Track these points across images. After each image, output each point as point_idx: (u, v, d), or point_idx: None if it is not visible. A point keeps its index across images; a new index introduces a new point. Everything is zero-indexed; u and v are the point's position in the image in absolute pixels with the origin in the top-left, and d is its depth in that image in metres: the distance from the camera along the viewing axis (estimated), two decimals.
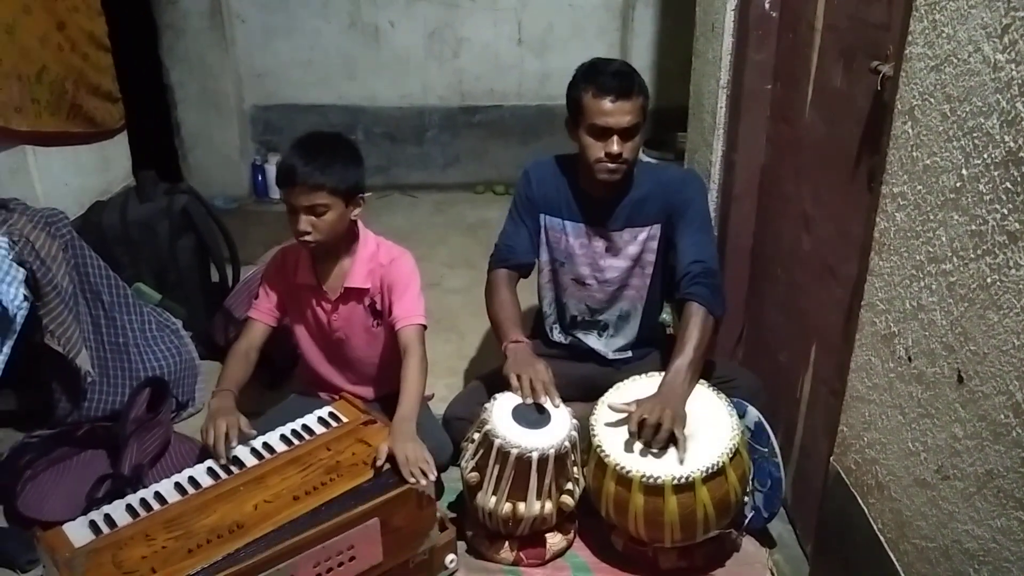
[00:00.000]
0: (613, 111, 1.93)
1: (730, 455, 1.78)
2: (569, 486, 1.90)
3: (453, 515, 2.05)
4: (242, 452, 1.85)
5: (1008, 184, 1.08)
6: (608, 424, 1.90)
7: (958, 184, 1.21)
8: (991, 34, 1.11)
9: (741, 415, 1.93)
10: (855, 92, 1.73)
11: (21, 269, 2.13)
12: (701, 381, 1.96)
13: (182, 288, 2.89)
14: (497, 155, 4.72)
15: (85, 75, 2.91)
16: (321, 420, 1.96)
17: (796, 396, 2.07)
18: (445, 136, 4.75)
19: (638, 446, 1.83)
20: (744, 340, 2.60)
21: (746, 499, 1.95)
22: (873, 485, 1.52)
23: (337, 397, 2.09)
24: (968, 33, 1.17)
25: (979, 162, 1.15)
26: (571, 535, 2.02)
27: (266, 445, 1.87)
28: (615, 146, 1.95)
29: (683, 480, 1.75)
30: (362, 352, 2.17)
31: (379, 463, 1.74)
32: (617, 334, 2.24)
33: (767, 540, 2.04)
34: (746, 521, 1.99)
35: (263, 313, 2.12)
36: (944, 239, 1.25)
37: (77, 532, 1.62)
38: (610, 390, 2.01)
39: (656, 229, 2.11)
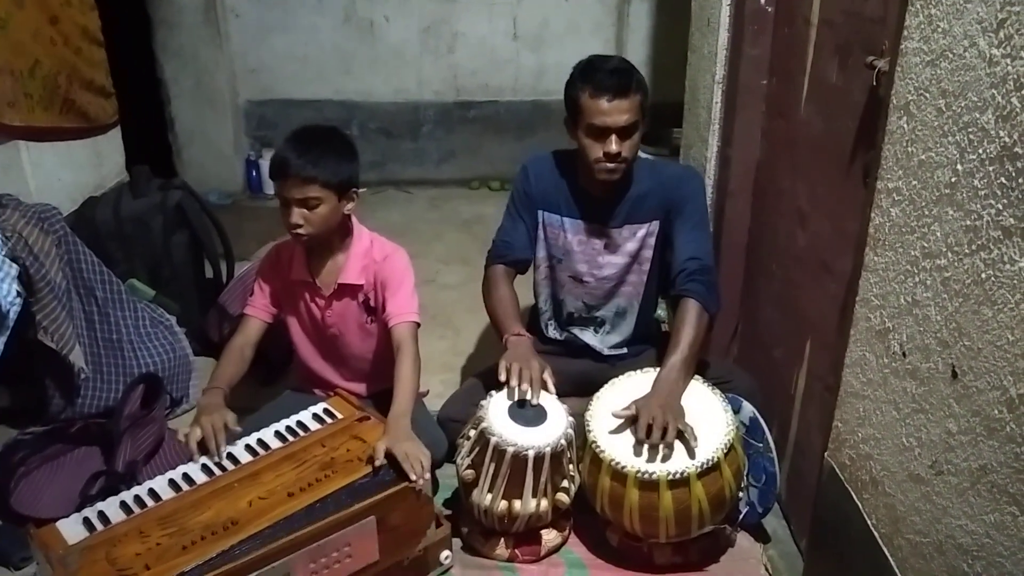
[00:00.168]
0: (610, 110, 1.92)
1: (725, 450, 1.78)
2: (565, 483, 1.90)
3: (448, 512, 2.04)
4: (236, 448, 1.84)
5: (1003, 179, 1.08)
6: (603, 421, 1.90)
7: (953, 179, 1.21)
8: (987, 29, 1.11)
9: (736, 411, 1.93)
10: (851, 87, 1.73)
11: (14, 265, 2.12)
12: (696, 377, 1.96)
13: (176, 284, 2.89)
14: (492, 151, 4.72)
15: (78, 70, 2.89)
16: (316, 416, 1.95)
17: (791, 392, 2.08)
18: (440, 131, 4.75)
19: (633, 442, 1.83)
20: (739, 336, 2.60)
21: (741, 494, 1.95)
22: (867, 480, 1.52)
23: (331, 393, 2.09)
24: (964, 28, 1.17)
25: (974, 157, 1.15)
26: (566, 531, 2.02)
27: (260, 441, 1.87)
28: (613, 145, 1.94)
29: (678, 475, 1.75)
30: (356, 348, 2.16)
31: (377, 463, 1.73)
32: (613, 330, 2.24)
33: (762, 535, 2.05)
34: (741, 516, 2.00)
35: (259, 310, 2.12)
36: (939, 234, 1.25)
37: (71, 529, 1.61)
38: (605, 386, 2.01)
39: (655, 226, 2.11)
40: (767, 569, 1.95)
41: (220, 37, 4.34)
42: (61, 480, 2.13)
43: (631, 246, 2.13)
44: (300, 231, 1.93)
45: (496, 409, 1.89)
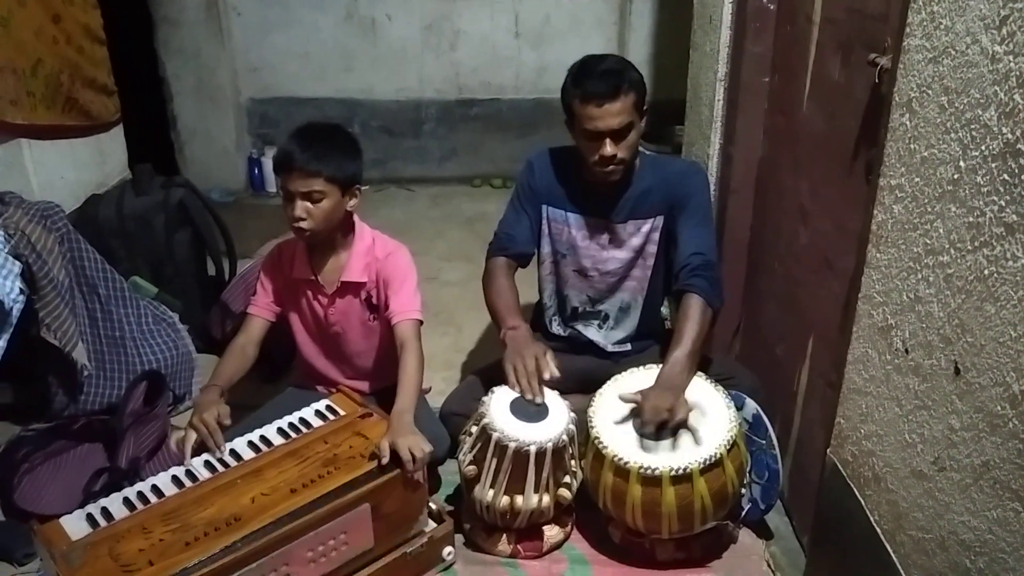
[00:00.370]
0: (602, 115, 1.92)
1: (728, 446, 1.78)
2: (567, 479, 1.91)
3: (451, 508, 2.04)
4: (239, 444, 1.85)
5: (1005, 176, 1.08)
6: (606, 417, 1.90)
7: (955, 176, 1.21)
8: (989, 25, 1.11)
9: (739, 407, 1.93)
10: (853, 84, 1.73)
11: (17, 263, 2.12)
12: (699, 373, 1.96)
13: (179, 281, 2.89)
14: (494, 148, 4.72)
15: (80, 68, 2.90)
16: (318, 413, 1.96)
17: (793, 389, 2.08)
18: (442, 129, 4.75)
19: (636, 438, 1.84)
20: (741, 333, 2.60)
21: (743, 491, 1.96)
22: (870, 477, 1.52)
23: (334, 390, 2.09)
24: (966, 25, 1.17)
25: (977, 154, 1.15)
26: (568, 527, 2.02)
27: (263, 438, 1.87)
28: (608, 148, 1.95)
29: (681, 471, 1.75)
30: (358, 346, 2.17)
31: (384, 461, 1.73)
32: (617, 326, 2.24)
33: (764, 532, 2.05)
34: (743, 513, 2.00)
35: (262, 308, 2.12)
36: (941, 231, 1.25)
37: (74, 525, 1.61)
38: (608, 383, 2.01)
39: (659, 221, 2.11)
40: (769, 565, 1.95)
41: (222, 35, 4.34)
42: (64, 476, 2.13)
43: (635, 241, 2.13)
44: (303, 225, 1.93)
45: (498, 405, 1.89)
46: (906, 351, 1.37)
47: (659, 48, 4.50)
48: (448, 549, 1.91)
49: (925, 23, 1.29)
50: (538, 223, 2.18)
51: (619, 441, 1.84)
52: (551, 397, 1.93)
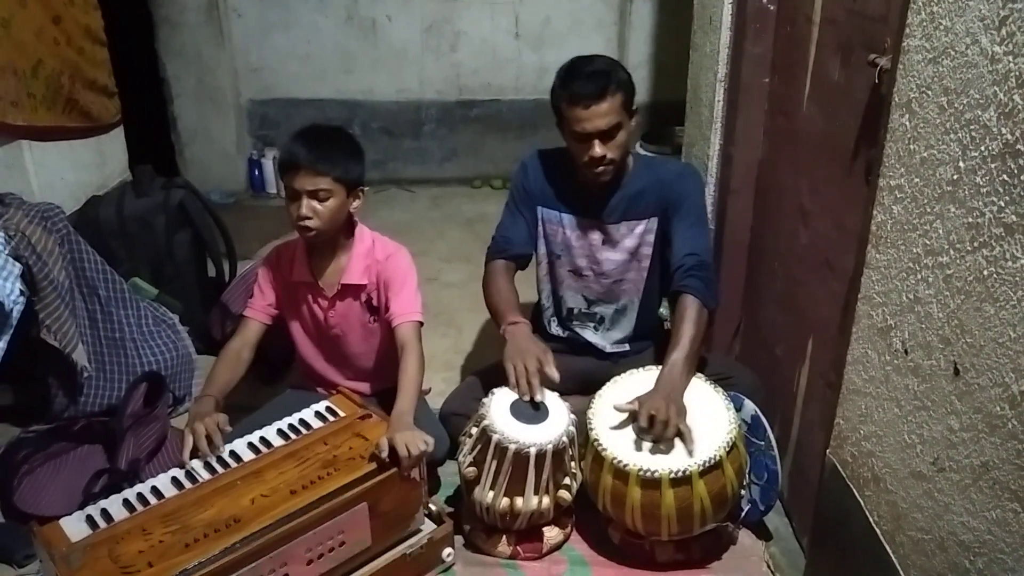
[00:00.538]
0: (589, 116, 1.92)
1: (727, 448, 1.78)
2: (567, 480, 1.90)
3: (451, 509, 2.04)
4: (239, 446, 1.85)
5: (1005, 176, 1.08)
6: (605, 419, 1.90)
7: (955, 177, 1.20)
8: (989, 26, 1.11)
9: (738, 408, 1.93)
10: (853, 85, 1.73)
11: (17, 264, 2.12)
12: (698, 375, 1.96)
13: (179, 283, 2.89)
14: (495, 149, 4.72)
15: (81, 69, 2.90)
16: (318, 414, 1.96)
17: (793, 389, 2.08)
18: (442, 130, 4.75)
19: (635, 440, 1.84)
20: (741, 334, 2.60)
21: (743, 492, 1.95)
22: (869, 477, 1.52)
23: (333, 392, 2.09)
24: (966, 25, 1.17)
25: (976, 155, 1.15)
26: (568, 529, 2.02)
27: (263, 439, 1.87)
28: (597, 149, 1.95)
29: (680, 473, 1.75)
30: (359, 348, 2.16)
31: (383, 456, 1.73)
32: (614, 328, 2.24)
33: (764, 533, 2.05)
34: (743, 514, 2.00)
35: (258, 311, 2.11)
36: (941, 232, 1.25)
37: (74, 527, 1.61)
38: (607, 384, 2.01)
39: (653, 223, 2.11)
40: (769, 566, 1.95)
41: (222, 36, 4.34)
42: (64, 478, 2.13)
43: (629, 242, 2.13)
44: (309, 223, 1.93)
45: (498, 406, 1.89)
46: (905, 352, 1.37)
47: (659, 49, 4.51)
48: (448, 550, 1.91)
49: (925, 24, 1.29)
50: (534, 224, 2.18)
51: (618, 443, 1.84)
52: (551, 398, 1.93)
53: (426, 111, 4.70)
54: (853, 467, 1.59)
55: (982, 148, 1.13)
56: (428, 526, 1.90)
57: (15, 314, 2.07)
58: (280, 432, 1.90)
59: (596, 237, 2.14)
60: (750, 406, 1.98)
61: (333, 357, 2.19)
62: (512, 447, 1.80)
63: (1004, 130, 1.08)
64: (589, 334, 2.25)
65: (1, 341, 2.05)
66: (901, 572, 1.40)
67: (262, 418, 1.99)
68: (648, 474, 1.76)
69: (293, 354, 2.28)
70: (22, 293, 2.11)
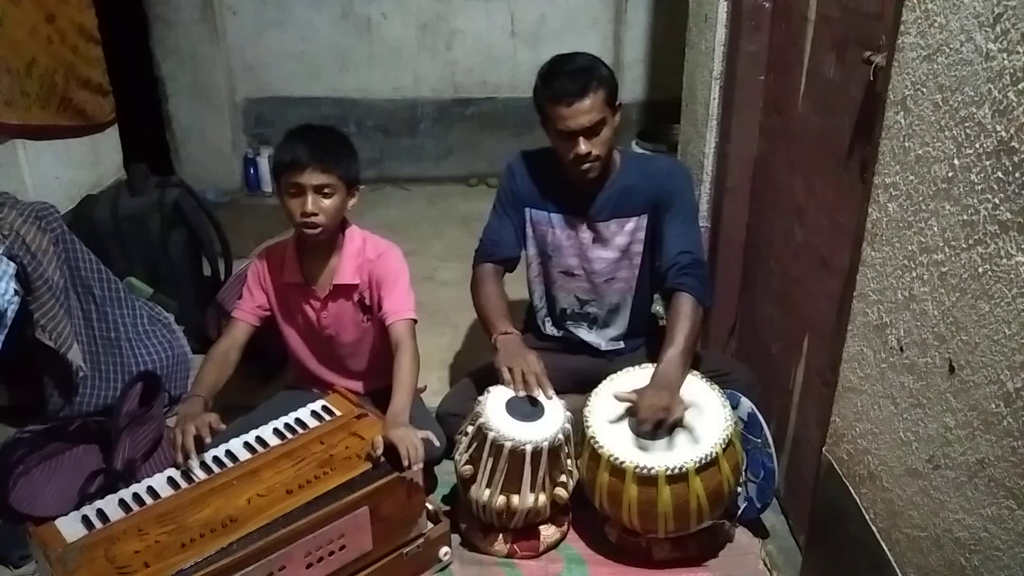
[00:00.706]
0: (572, 114, 1.93)
1: (723, 445, 1.78)
2: (563, 478, 1.90)
3: (447, 508, 2.05)
4: (235, 445, 1.84)
5: (999, 174, 1.08)
6: (602, 416, 1.90)
7: (950, 174, 1.21)
8: (983, 23, 1.11)
9: (734, 406, 1.93)
10: (848, 82, 1.73)
11: (11, 263, 2.12)
12: (693, 372, 1.97)
13: (174, 282, 2.88)
14: (490, 147, 4.71)
15: (75, 68, 2.89)
16: (314, 414, 1.95)
17: (789, 387, 2.08)
18: (438, 128, 4.74)
19: (632, 437, 1.84)
20: (737, 332, 2.60)
21: (739, 490, 1.96)
22: (865, 475, 1.52)
23: (329, 391, 2.08)
24: (960, 23, 1.17)
25: (971, 152, 1.15)
26: (565, 527, 2.02)
27: (259, 439, 1.87)
28: (582, 146, 1.95)
29: (676, 470, 1.75)
30: (352, 348, 2.16)
31: (377, 453, 1.73)
32: (608, 326, 2.25)
33: (760, 531, 2.05)
34: (739, 512, 2.00)
35: (247, 313, 2.11)
36: (936, 229, 1.25)
37: (70, 527, 1.61)
38: (603, 382, 2.01)
39: (643, 220, 2.11)
40: (766, 564, 1.95)
41: (217, 34, 4.33)
42: (60, 478, 2.13)
43: (620, 240, 2.13)
44: (316, 219, 1.92)
45: (494, 404, 1.89)
46: (901, 349, 1.37)
47: (655, 47, 4.50)
48: (444, 549, 1.91)
49: (919, 21, 1.29)
50: (522, 226, 2.18)
51: (615, 441, 1.84)
52: (546, 396, 1.93)
53: (422, 109, 4.70)
54: (849, 464, 1.59)
55: (977, 145, 1.13)
56: (425, 525, 1.90)
57: (10, 314, 2.07)
58: (276, 431, 1.90)
59: (586, 236, 2.14)
60: (746, 403, 1.98)
61: (326, 357, 2.18)
62: (508, 445, 1.80)
63: (999, 127, 1.08)
64: (583, 333, 2.25)
65: None
66: (897, 569, 1.40)
67: (258, 418, 1.99)
68: (645, 471, 1.76)
69: (287, 354, 2.28)
70: (16, 293, 2.10)
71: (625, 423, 1.88)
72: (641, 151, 3.69)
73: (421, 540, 1.86)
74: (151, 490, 1.72)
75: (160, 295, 2.80)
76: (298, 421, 1.93)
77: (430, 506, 1.93)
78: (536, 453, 1.82)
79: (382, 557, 1.80)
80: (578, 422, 1.91)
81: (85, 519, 1.63)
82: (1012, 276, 1.06)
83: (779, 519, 2.11)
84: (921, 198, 1.29)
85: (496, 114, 4.69)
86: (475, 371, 2.25)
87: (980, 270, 1.13)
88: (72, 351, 2.30)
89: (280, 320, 2.15)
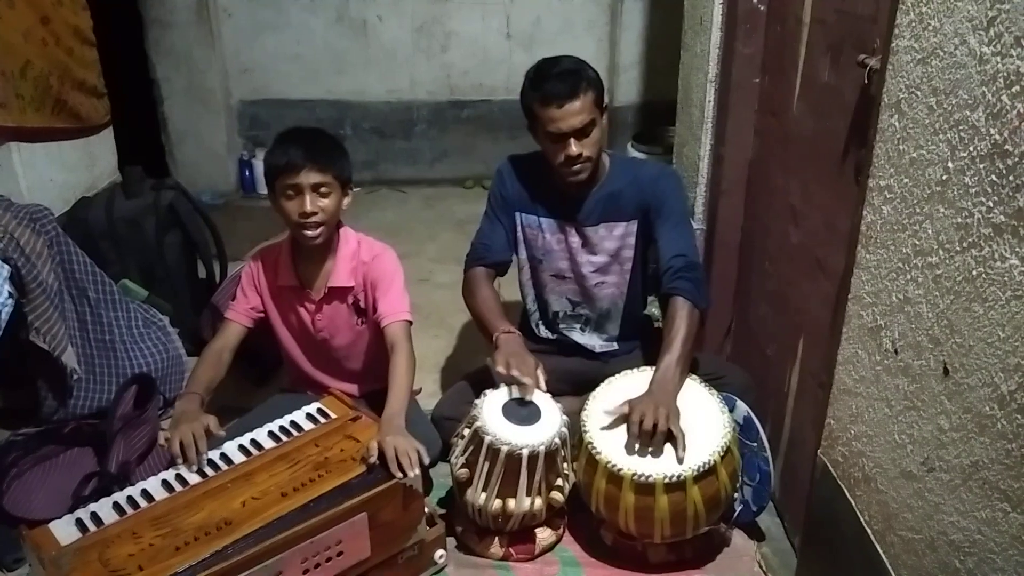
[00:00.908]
0: (563, 115, 1.92)
1: (721, 453, 1.78)
2: (559, 482, 1.90)
3: (443, 511, 2.04)
4: (230, 448, 1.84)
5: (993, 177, 1.08)
6: (599, 421, 1.90)
7: (944, 177, 1.21)
8: (977, 27, 1.11)
9: (730, 409, 1.93)
10: (842, 85, 1.73)
11: (5, 266, 2.11)
12: (692, 377, 1.96)
13: (169, 284, 2.88)
14: (486, 150, 4.71)
15: (70, 70, 2.88)
16: (309, 416, 1.95)
17: (784, 389, 2.08)
18: (434, 131, 4.74)
19: (629, 443, 1.83)
20: (732, 334, 2.60)
21: (735, 493, 1.96)
22: (860, 478, 1.52)
23: (325, 394, 2.08)
24: (954, 26, 1.17)
25: (965, 155, 1.15)
26: (560, 530, 2.02)
27: (254, 441, 1.86)
28: (572, 148, 1.95)
29: (675, 479, 1.75)
30: (346, 350, 2.16)
31: (371, 460, 1.73)
32: (601, 328, 2.25)
33: (756, 533, 2.05)
34: (735, 515, 2.00)
35: (240, 314, 2.11)
36: (930, 232, 1.25)
37: (64, 530, 1.60)
38: (601, 385, 2.01)
39: (633, 225, 2.11)
40: (761, 567, 1.95)
41: (212, 37, 4.33)
42: (54, 481, 2.12)
43: (609, 244, 2.13)
44: (316, 219, 1.92)
45: (490, 408, 1.89)
46: (895, 352, 1.37)
47: (650, 49, 4.51)
48: (440, 552, 1.91)
49: (914, 24, 1.29)
50: (513, 230, 2.18)
51: (612, 447, 1.84)
52: (543, 400, 1.93)
53: (417, 112, 4.70)
54: (844, 467, 1.59)
55: (971, 148, 1.14)
56: (420, 528, 1.89)
57: (4, 316, 2.06)
58: (271, 434, 1.89)
59: (575, 241, 2.14)
60: (742, 407, 1.98)
61: (321, 360, 2.18)
62: (504, 448, 1.80)
63: (992, 131, 1.08)
64: (577, 335, 2.25)
65: None
66: (892, 572, 1.40)
67: (253, 420, 1.99)
68: (642, 479, 1.76)
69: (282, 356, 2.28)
70: (11, 295, 2.09)
71: (623, 429, 1.87)
72: (636, 153, 3.69)
73: (416, 543, 1.85)
74: (145, 493, 1.71)
75: (155, 297, 2.80)
76: (293, 424, 1.93)
77: (426, 509, 1.93)
78: (532, 457, 1.81)
79: (380, 563, 1.80)
80: (574, 425, 1.91)
81: (79, 522, 1.63)
82: (1006, 279, 1.07)
83: (775, 521, 2.11)
84: (915, 201, 1.30)
85: (492, 117, 4.70)
86: (470, 374, 2.25)
87: (974, 273, 1.14)
88: (66, 354, 2.29)
89: (274, 323, 2.15)
